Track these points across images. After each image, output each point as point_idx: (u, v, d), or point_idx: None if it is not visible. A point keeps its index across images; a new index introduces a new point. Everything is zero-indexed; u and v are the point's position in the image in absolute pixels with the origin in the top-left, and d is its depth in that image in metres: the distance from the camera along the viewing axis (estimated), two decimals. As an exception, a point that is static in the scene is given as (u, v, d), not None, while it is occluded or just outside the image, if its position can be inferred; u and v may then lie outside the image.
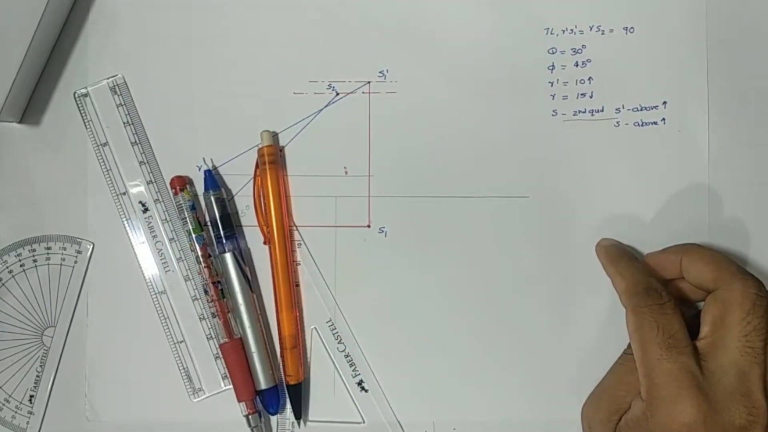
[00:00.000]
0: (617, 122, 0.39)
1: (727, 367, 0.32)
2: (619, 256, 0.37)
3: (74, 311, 0.40)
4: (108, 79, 0.40)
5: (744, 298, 0.33)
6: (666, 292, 0.35)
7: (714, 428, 0.31)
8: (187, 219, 0.39)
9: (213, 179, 0.39)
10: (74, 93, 0.40)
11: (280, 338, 0.39)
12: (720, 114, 0.39)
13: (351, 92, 0.40)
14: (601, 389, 0.37)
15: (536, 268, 0.39)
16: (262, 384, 0.38)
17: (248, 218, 0.40)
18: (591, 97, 0.39)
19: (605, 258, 0.38)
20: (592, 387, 0.37)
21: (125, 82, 0.40)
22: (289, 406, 0.39)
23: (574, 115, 0.39)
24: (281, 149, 0.40)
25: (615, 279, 0.37)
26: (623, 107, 0.39)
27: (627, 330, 0.35)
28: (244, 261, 0.39)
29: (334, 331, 0.39)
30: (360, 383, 0.39)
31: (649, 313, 0.34)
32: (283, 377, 0.39)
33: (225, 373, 0.39)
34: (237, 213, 0.40)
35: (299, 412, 0.39)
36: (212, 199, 0.39)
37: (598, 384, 0.37)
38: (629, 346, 0.35)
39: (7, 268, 0.40)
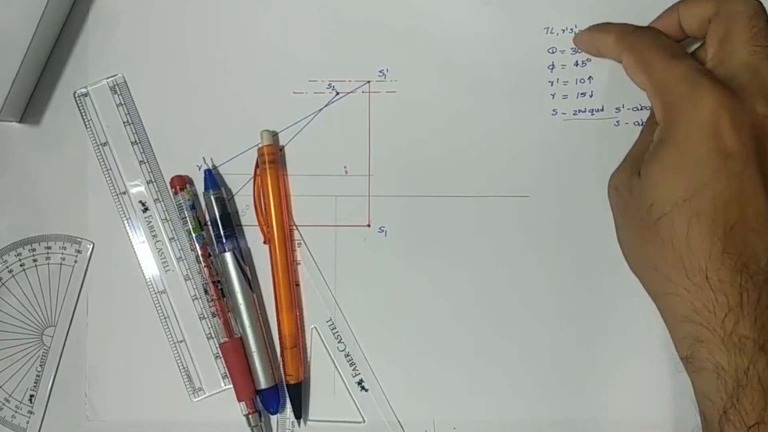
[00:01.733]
0: (617, 121, 0.39)
1: (738, 68, 0.32)
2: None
3: (74, 311, 0.40)
4: (108, 78, 0.40)
5: (746, 6, 0.33)
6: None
7: (737, 113, 0.31)
8: (187, 218, 0.39)
9: (213, 179, 0.39)
10: (74, 93, 0.40)
11: (280, 338, 0.39)
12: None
13: (351, 92, 0.40)
14: (624, 158, 0.37)
15: (536, 268, 0.39)
16: (262, 383, 0.38)
17: (248, 218, 0.40)
18: (591, 96, 0.39)
19: (614, 33, 0.36)
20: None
21: (125, 81, 0.40)
22: (289, 405, 0.39)
23: (574, 114, 0.39)
24: (281, 149, 0.40)
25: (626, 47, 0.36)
26: (623, 106, 0.39)
27: (626, 73, 0.35)
28: (244, 260, 0.39)
29: (334, 331, 0.39)
30: (360, 383, 0.39)
31: (644, 41, 0.34)
32: (283, 377, 0.39)
33: (225, 372, 0.39)
34: (237, 212, 0.40)
35: (299, 412, 0.39)
36: (212, 198, 0.39)
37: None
38: (646, 124, 0.37)
39: (7, 267, 0.40)
